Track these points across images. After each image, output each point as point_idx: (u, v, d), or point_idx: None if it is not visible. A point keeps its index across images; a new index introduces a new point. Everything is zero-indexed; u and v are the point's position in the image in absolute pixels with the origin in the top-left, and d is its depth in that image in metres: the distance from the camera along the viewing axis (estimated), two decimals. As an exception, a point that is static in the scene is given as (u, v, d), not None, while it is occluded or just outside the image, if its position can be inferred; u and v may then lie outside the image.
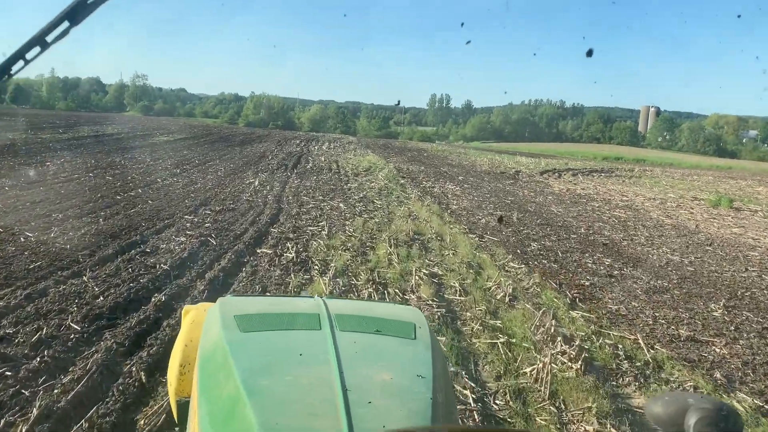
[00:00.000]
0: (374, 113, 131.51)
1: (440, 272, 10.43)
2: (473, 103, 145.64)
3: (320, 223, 13.95)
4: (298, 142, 49.52)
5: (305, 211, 15.68)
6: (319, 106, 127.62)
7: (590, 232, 16.20)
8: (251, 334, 2.27)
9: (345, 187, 22.02)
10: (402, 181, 25.16)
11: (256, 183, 20.85)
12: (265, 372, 1.98)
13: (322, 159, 33.58)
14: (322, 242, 11.92)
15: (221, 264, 9.63)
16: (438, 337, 3.79)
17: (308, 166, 28.57)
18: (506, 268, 11.10)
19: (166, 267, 9.15)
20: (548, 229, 16.02)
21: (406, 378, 2.07)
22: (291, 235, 12.34)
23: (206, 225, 12.58)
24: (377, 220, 14.97)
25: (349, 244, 11.87)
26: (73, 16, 1.32)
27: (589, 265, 12.12)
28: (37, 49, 1.36)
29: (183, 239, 11.03)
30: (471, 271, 10.65)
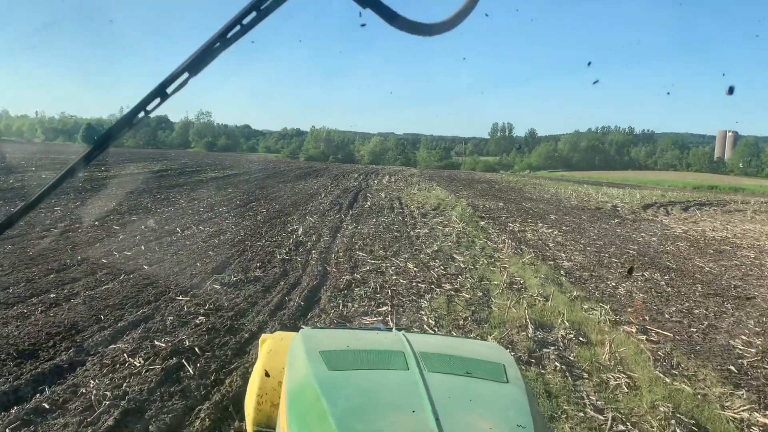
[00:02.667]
0: (434, 144, 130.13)
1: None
2: (537, 131, 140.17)
3: (381, 307, 9.05)
4: (356, 176, 45.25)
5: (360, 280, 10.88)
6: (379, 138, 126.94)
7: None
8: (340, 374, 2.22)
9: (412, 233, 17.15)
10: (482, 223, 20.08)
11: (300, 231, 16.27)
12: (359, 416, 1.95)
13: (383, 195, 28.90)
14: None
15: None
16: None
17: (366, 205, 23.90)
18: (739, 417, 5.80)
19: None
20: (726, 304, 10.57)
21: (507, 427, 1.96)
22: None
23: (200, 317, 7.84)
24: (467, 296, 9.97)
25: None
26: (193, 67, 1.31)
27: None
28: (157, 100, 1.36)
29: (137, 362, 6.31)
30: None
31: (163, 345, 6.47)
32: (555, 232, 19.27)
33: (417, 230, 17.85)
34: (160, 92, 1.35)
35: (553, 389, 6.04)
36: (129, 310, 8.03)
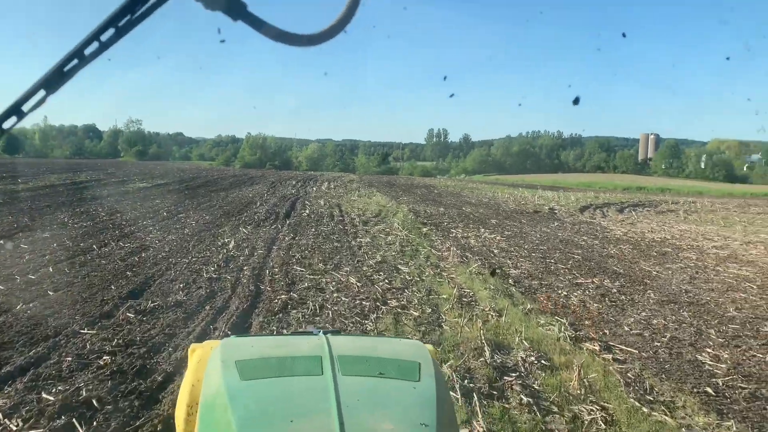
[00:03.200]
0: (372, 150, 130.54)
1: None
2: (471, 136, 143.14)
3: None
4: (294, 183, 43.88)
5: (297, 299, 9.85)
6: (317, 144, 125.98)
7: (751, 316, 10.31)
8: (251, 382, 2.22)
9: (353, 243, 16.23)
10: (425, 230, 19.39)
11: (232, 244, 15.07)
12: (263, 423, 1.98)
13: (322, 203, 27.82)
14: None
15: None
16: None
17: (305, 214, 22.79)
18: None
19: None
20: (682, 311, 10.16)
21: (409, 427, 2.00)
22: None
23: (104, 357, 6.62)
24: (416, 314, 9.13)
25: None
26: (50, 85, 1.27)
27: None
28: (14, 118, 1.29)
29: (14, 426, 5.11)
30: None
31: (52, 398, 5.26)
32: (498, 238, 18.78)
33: (359, 239, 16.94)
34: (16, 110, 1.31)
35: (522, 429, 5.25)
36: (19, 350, 6.74)
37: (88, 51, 1.23)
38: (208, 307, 9.17)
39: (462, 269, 12.95)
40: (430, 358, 2.54)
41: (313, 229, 18.52)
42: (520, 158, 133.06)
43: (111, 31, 1.21)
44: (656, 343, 8.13)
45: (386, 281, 11.54)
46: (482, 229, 20.69)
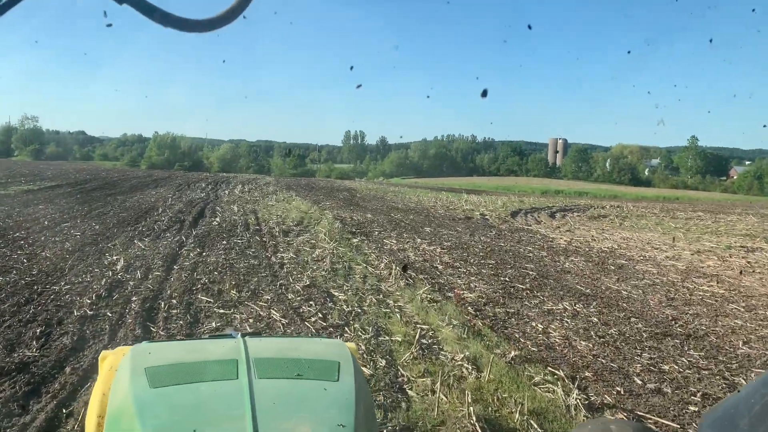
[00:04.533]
0: (287, 151, 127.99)
1: None
2: (388, 139, 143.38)
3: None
4: (203, 185, 40.18)
5: (202, 349, 7.23)
6: (230, 145, 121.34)
7: (737, 342, 8.66)
8: (161, 390, 2.11)
9: (274, 260, 13.60)
10: (355, 241, 16.99)
11: (121, 264, 12.07)
12: None
13: (235, 208, 24.77)
14: None
15: None
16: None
17: (215, 222, 19.78)
18: None
19: None
20: (688, 350, 8.33)
21: (326, 428, 1.96)
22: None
23: None
24: (366, 370, 6.71)
25: None
26: None
27: None
28: None
29: None
30: None
31: None
32: (438, 250, 16.70)
33: (280, 254, 14.31)
34: None
35: None
36: None
37: None
38: (68, 370, 6.36)
39: (409, 293, 10.67)
40: (350, 357, 2.40)
41: (224, 242, 15.69)
42: (436, 161, 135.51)
43: None
44: (691, 407, 6.17)
45: (319, 315, 9.05)
46: (418, 239, 18.57)
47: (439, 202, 37.37)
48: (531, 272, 13.84)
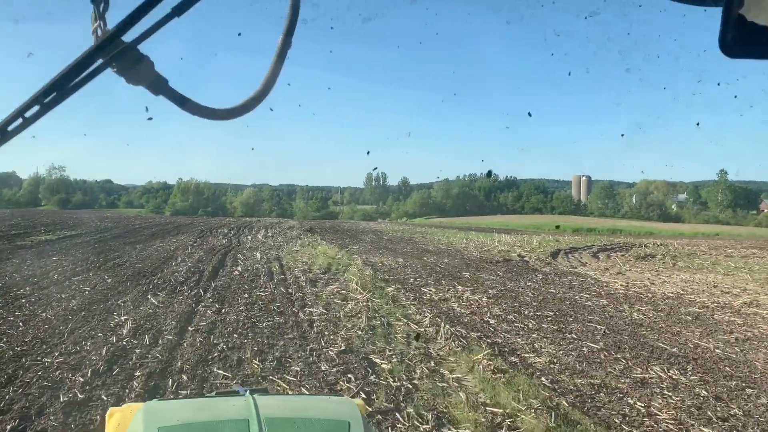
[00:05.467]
0: (310, 194, 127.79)
1: None
2: (409, 179, 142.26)
3: None
4: (226, 231, 38.94)
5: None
6: (253, 189, 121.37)
7: None
8: None
9: (302, 316, 11.93)
10: (390, 290, 15.22)
11: (129, 326, 10.50)
12: None
13: (258, 256, 23.24)
14: None
15: None
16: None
17: (236, 272, 18.23)
18: None
19: None
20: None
21: None
22: None
23: None
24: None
25: None
26: None
27: None
28: None
29: None
30: None
31: None
32: (484, 299, 14.90)
33: (308, 309, 12.64)
34: None
35: None
36: None
37: (11, 127, 1.20)
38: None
39: (466, 359, 8.86)
40: (359, 416, 2.38)
41: (246, 295, 14.11)
42: (459, 200, 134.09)
43: (36, 108, 1.18)
44: None
45: (362, 394, 7.31)
46: (459, 286, 16.78)
47: (470, 243, 35.53)
48: (598, 326, 11.94)
